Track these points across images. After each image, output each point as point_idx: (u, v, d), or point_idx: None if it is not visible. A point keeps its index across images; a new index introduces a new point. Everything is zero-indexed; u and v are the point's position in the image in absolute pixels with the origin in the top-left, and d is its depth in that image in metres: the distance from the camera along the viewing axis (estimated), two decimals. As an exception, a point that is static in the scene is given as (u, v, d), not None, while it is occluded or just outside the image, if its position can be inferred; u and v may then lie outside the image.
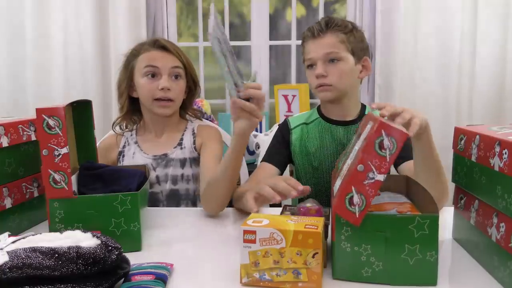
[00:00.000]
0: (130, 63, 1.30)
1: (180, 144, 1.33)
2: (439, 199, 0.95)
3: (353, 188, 0.70)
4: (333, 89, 1.22)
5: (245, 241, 0.70)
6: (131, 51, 1.31)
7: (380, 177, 0.69)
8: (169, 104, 1.27)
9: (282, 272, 0.70)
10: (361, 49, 1.25)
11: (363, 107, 1.31)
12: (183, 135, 1.35)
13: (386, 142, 0.69)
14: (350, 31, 1.23)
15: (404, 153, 1.21)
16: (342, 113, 1.28)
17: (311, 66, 1.25)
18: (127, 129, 1.38)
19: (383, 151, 0.69)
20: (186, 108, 1.38)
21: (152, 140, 1.34)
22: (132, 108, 1.34)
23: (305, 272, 0.69)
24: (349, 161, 0.77)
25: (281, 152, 1.32)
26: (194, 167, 1.32)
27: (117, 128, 1.37)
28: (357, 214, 0.71)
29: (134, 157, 1.31)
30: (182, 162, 1.31)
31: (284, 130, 1.36)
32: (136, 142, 1.34)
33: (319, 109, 1.35)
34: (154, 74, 1.26)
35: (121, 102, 1.33)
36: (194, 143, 1.33)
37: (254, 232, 0.70)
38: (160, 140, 1.34)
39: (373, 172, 0.69)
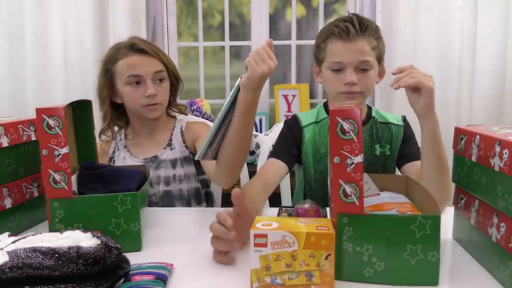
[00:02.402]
0: (109, 70, 1.26)
1: (169, 144, 1.32)
2: (440, 202, 0.94)
3: (340, 181, 0.71)
4: (361, 96, 1.18)
5: (255, 245, 0.68)
6: (108, 56, 1.28)
7: (358, 159, 0.70)
8: (157, 108, 1.26)
9: (295, 275, 0.68)
10: (383, 55, 1.22)
11: (369, 108, 1.29)
12: (171, 135, 1.34)
13: (346, 125, 0.70)
14: (380, 36, 1.18)
15: (409, 154, 1.23)
16: None
17: (337, 70, 1.17)
18: (112, 137, 1.35)
19: (347, 135, 0.70)
20: (171, 104, 1.37)
21: (141, 143, 1.34)
22: (116, 114, 1.32)
23: (318, 274, 0.68)
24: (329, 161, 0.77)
25: (290, 151, 1.25)
26: (185, 167, 1.31)
27: (103, 136, 1.35)
28: (357, 203, 0.71)
29: (125, 162, 1.31)
30: (173, 163, 1.30)
31: (295, 128, 1.28)
32: (125, 147, 1.34)
33: (326, 107, 1.29)
34: (138, 82, 1.24)
35: (103, 109, 1.30)
36: (184, 141, 1.33)
37: (265, 236, 0.68)
38: (149, 142, 1.33)
39: (350, 158, 0.70)
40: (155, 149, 1.32)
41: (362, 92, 1.17)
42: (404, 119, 1.30)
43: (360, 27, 1.14)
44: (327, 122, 1.26)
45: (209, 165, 1.15)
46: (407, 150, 1.25)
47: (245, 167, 1.54)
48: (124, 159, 1.32)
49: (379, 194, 0.90)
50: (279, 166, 1.21)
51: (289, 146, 1.26)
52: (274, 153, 1.25)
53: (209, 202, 1.38)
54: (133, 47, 1.24)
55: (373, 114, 1.28)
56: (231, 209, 0.83)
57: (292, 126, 1.29)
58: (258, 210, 1.03)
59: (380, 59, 1.20)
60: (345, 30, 1.14)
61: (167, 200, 1.29)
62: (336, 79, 1.17)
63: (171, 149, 1.32)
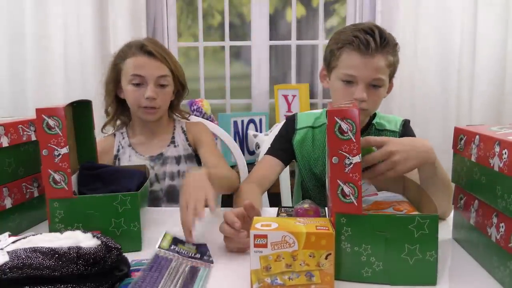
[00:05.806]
0: (117, 65, 1.29)
1: (173, 142, 1.36)
2: (443, 213, 0.98)
3: (338, 181, 0.71)
4: (367, 113, 1.15)
5: (255, 246, 0.68)
6: (119, 52, 1.31)
7: (356, 159, 0.70)
8: (154, 112, 1.28)
9: (295, 276, 0.69)
10: (395, 71, 1.17)
11: (373, 115, 1.25)
12: (173, 134, 1.38)
13: (344, 126, 0.70)
14: (397, 53, 1.13)
15: None
16: None
17: (348, 82, 1.11)
18: (116, 130, 1.38)
19: (345, 135, 0.71)
20: (174, 109, 1.40)
21: (145, 142, 1.36)
22: (120, 109, 1.35)
23: (318, 274, 0.68)
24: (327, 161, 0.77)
25: (285, 148, 1.29)
26: (189, 163, 1.35)
27: (107, 129, 1.37)
28: (355, 203, 0.71)
29: (131, 159, 1.33)
30: (177, 159, 1.35)
31: (290, 127, 1.31)
32: (130, 145, 1.36)
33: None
34: (140, 83, 1.25)
35: (107, 100, 1.34)
36: (187, 139, 1.37)
37: (265, 236, 0.68)
38: (153, 141, 1.36)
39: (348, 158, 0.70)
40: (160, 147, 1.35)
41: (368, 110, 1.13)
42: (404, 124, 1.25)
43: (380, 42, 1.07)
44: (324, 129, 1.25)
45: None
46: None
47: (245, 167, 1.55)
48: (130, 157, 1.34)
49: (377, 194, 0.90)
50: (274, 163, 1.25)
51: (285, 142, 1.30)
52: (269, 150, 1.29)
53: None
54: (143, 48, 1.26)
55: (375, 120, 1.25)
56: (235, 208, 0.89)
57: (288, 125, 1.32)
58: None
59: (392, 76, 1.15)
60: (365, 44, 1.06)
61: (172, 195, 1.32)
62: (345, 92, 1.11)
63: (175, 146, 1.36)
